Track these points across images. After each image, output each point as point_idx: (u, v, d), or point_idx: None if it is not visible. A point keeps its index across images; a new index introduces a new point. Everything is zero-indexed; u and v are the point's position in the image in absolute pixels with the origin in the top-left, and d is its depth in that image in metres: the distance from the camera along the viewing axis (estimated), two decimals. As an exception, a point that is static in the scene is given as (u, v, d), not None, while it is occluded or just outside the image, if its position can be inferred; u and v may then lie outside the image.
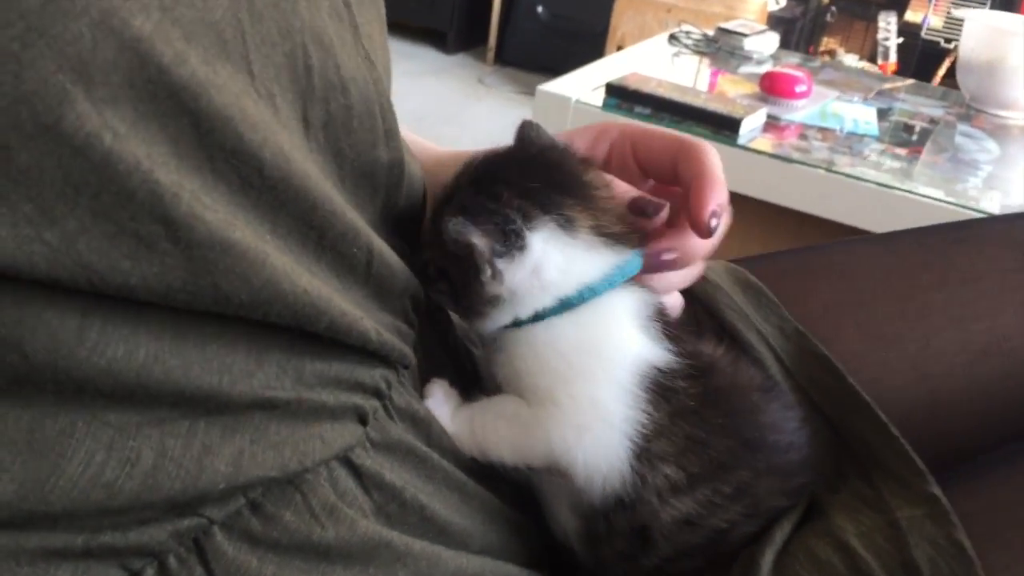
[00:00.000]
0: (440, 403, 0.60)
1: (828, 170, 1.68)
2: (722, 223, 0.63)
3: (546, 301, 0.59)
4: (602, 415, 0.59)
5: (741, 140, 1.76)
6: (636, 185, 0.67)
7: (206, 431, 0.43)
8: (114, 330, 0.38)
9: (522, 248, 0.57)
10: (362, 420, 0.52)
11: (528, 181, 0.59)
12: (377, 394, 0.53)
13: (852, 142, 1.84)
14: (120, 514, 0.41)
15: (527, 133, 0.64)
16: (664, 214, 0.63)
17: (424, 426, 0.57)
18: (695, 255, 0.65)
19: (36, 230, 0.34)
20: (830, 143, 1.81)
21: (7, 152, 0.33)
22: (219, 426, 0.44)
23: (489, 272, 0.57)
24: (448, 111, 4.05)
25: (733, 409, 0.61)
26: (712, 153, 0.65)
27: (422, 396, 0.59)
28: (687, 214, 0.63)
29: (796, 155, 1.73)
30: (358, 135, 0.50)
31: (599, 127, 0.71)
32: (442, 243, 0.58)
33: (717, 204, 0.62)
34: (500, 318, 0.61)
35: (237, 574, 0.46)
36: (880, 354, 0.74)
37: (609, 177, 0.64)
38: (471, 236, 0.56)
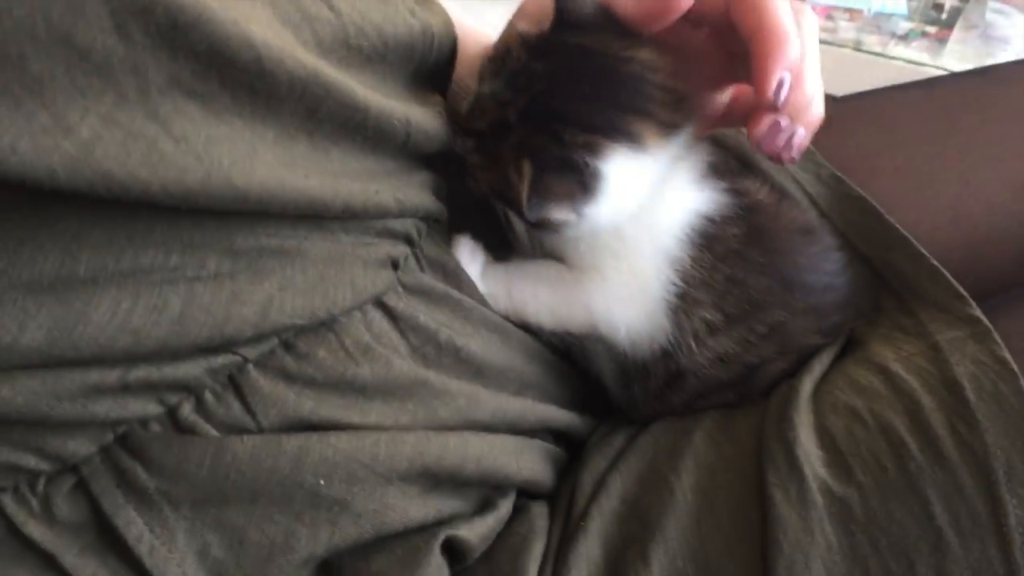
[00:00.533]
0: (469, 259, 0.59)
1: (856, 49, 1.65)
2: (797, 85, 0.53)
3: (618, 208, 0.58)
4: (648, 287, 0.59)
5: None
6: (681, 36, 0.59)
7: (233, 278, 0.43)
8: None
9: (598, 187, 0.55)
10: (393, 265, 0.52)
11: (586, 107, 0.55)
12: (408, 241, 0.53)
13: (880, 21, 1.79)
14: (148, 355, 0.42)
15: (566, 5, 0.56)
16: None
17: (454, 277, 0.57)
18: (799, 58, 0.54)
19: (54, 139, 0.34)
20: (858, 23, 1.77)
21: (23, 61, 0.32)
22: (247, 273, 0.44)
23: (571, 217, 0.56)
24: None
25: (773, 248, 0.61)
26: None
27: (454, 244, 0.59)
28: (748, 77, 0.54)
29: (823, 36, 1.69)
30: (395, 24, 0.49)
31: None
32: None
33: (783, 67, 0.52)
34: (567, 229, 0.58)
35: (274, 407, 0.47)
36: (918, 195, 0.73)
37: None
38: (552, 213, 0.55)
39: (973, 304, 0.58)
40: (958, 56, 1.66)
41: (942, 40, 1.75)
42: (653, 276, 0.59)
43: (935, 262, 0.62)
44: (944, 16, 1.90)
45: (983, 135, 0.74)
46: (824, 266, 0.64)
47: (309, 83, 0.42)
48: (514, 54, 0.56)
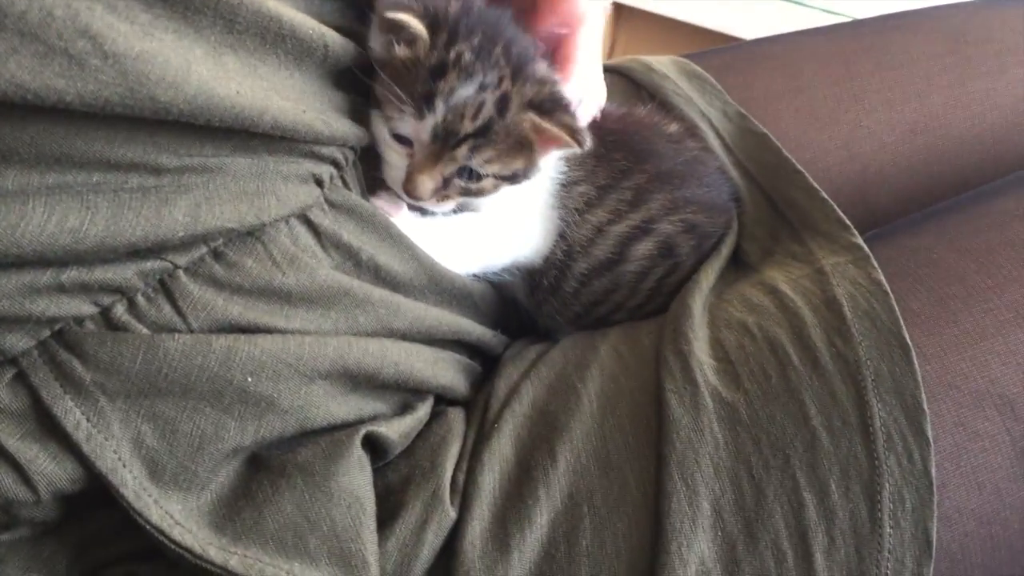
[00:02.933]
0: (392, 209, 0.62)
1: (797, 3, 1.70)
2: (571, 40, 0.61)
3: None
4: (546, 205, 0.67)
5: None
6: None
7: (157, 191, 0.46)
8: (35, 112, 0.40)
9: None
10: (318, 183, 0.55)
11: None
12: (334, 164, 0.56)
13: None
14: (86, 255, 0.44)
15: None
16: None
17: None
18: (582, 16, 0.61)
19: None
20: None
21: None
22: (171, 187, 0.46)
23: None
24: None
25: (644, 144, 0.70)
26: None
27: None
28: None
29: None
30: None
31: None
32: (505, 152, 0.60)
33: (561, 19, 0.60)
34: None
35: (204, 311, 0.49)
36: (816, 135, 0.78)
37: None
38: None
39: (856, 233, 0.63)
40: (874, 5, 1.72)
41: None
42: (547, 192, 0.66)
43: (825, 195, 0.67)
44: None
45: (877, 80, 0.79)
46: (694, 167, 0.72)
47: None
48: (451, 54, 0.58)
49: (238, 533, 0.50)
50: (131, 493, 0.48)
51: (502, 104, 0.58)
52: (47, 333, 0.47)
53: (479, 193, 0.61)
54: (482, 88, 0.57)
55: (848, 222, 0.65)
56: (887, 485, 0.52)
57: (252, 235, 0.51)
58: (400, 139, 0.59)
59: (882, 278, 0.59)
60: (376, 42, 0.58)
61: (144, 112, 0.41)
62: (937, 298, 0.58)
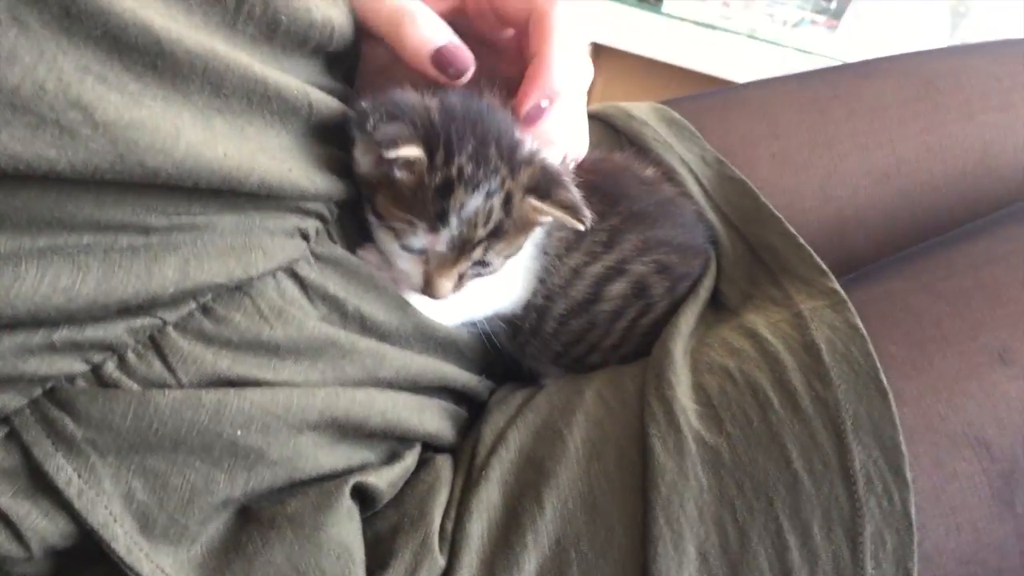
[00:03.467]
0: (379, 265, 0.63)
1: (751, 37, 1.73)
2: (549, 113, 0.61)
3: None
4: (529, 257, 0.68)
5: (665, 8, 1.78)
6: (494, 33, 0.66)
7: (147, 250, 0.47)
8: (24, 179, 0.40)
9: None
10: (304, 236, 0.56)
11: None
12: (320, 218, 0.57)
13: (774, 10, 1.87)
14: (78, 314, 0.45)
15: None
16: (468, 75, 0.60)
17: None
18: (559, 92, 0.61)
19: None
20: (752, 10, 1.85)
21: None
22: (159, 246, 0.47)
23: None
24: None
25: (618, 186, 0.71)
26: (561, 28, 0.59)
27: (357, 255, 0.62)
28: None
29: (720, 22, 1.76)
30: (296, 8, 0.51)
31: None
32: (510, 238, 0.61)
33: (543, 95, 0.60)
34: None
35: (193, 365, 0.50)
36: (791, 180, 0.80)
37: (423, 15, 0.60)
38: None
39: (832, 278, 0.65)
40: (845, 44, 1.76)
41: (831, 29, 1.84)
42: (532, 243, 0.67)
43: (802, 241, 0.69)
44: (833, 6, 2.00)
45: (850, 126, 0.81)
46: (667, 208, 0.73)
47: (208, 60, 0.45)
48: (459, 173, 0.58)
49: None
50: (122, 548, 0.48)
51: (507, 202, 0.59)
52: (39, 391, 0.47)
53: (490, 273, 0.63)
54: (488, 195, 0.58)
55: (825, 267, 0.66)
56: (868, 527, 0.53)
57: (240, 290, 0.52)
58: (411, 249, 0.59)
59: (859, 322, 0.60)
60: (363, 160, 0.58)
61: (133, 177, 0.43)
62: (913, 342, 0.60)
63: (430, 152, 0.56)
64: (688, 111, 0.85)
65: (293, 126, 0.53)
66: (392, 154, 0.54)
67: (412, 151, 0.55)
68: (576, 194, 0.60)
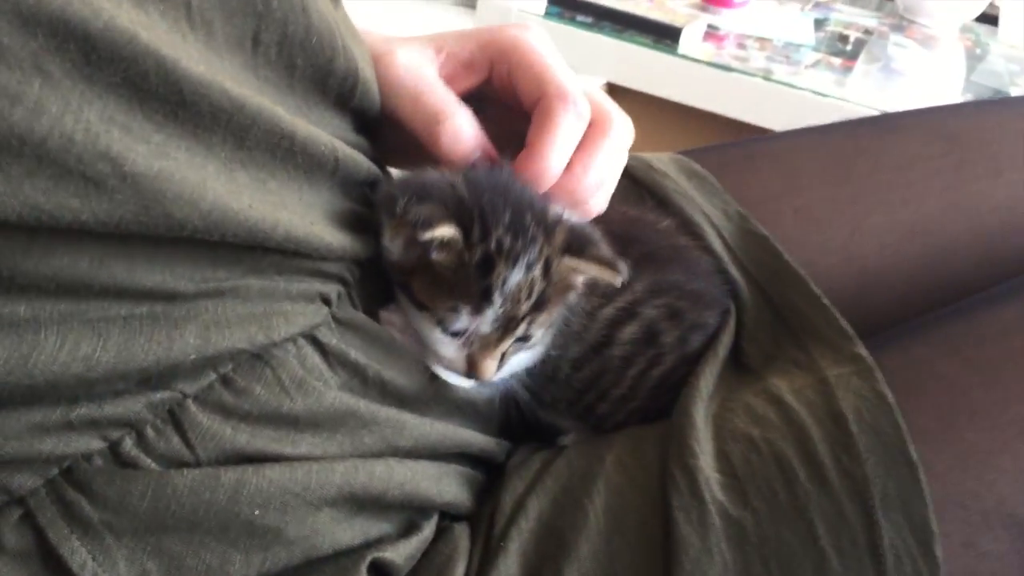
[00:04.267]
0: (404, 328, 0.62)
1: (766, 79, 1.72)
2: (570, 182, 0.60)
3: None
4: (552, 334, 0.66)
5: (681, 49, 1.78)
6: (517, 115, 0.63)
7: (167, 312, 0.45)
8: (60, 243, 0.40)
9: None
10: (326, 301, 0.55)
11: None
12: (342, 282, 0.56)
13: (789, 52, 1.88)
14: (97, 385, 0.44)
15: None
16: None
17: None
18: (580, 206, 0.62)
19: None
20: (767, 52, 1.85)
21: None
22: (180, 312, 0.46)
23: None
24: (388, 18, 3.98)
25: (633, 236, 0.70)
26: (568, 120, 0.58)
27: (380, 320, 0.61)
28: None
29: (735, 64, 1.76)
30: (315, 50, 0.51)
31: (485, 38, 0.63)
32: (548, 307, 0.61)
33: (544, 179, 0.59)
34: None
35: (212, 441, 0.49)
36: (814, 237, 0.79)
37: (459, 123, 0.59)
38: None
39: (859, 343, 0.64)
40: (861, 86, 1.76)
41: (846, 71, 1.84)
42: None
43: (827, 302, 0.68)
44: (849, 48, 2.00)
45: (874, 182, 0.80)
46: (679, 254, 0.73)
47: (235, 113, 0.44)
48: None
49: None
50: None
51: (546, 269, 0.58)
52: (55, 471, 0.46)
53: (530, 348, 0.62)
54: (529, 266, 0.57)
55: (851, 331, 0.65)
56: None
57: (261, 359, 0.51)
58: (453, 333, 0.58)
59: (887, 391, 0.59)
60: (394, 246, 0.58)
61: (159, 229, 0.41)
62: (942, 413, 0.58)
63: (465, 230, 0.55)
64: (709, 163, 0.84)
65: (317, 181, 0.52)
66: (428, 235, 0.53)
67: (447, 230, 0.54)
68: (608, 248, 0.59)
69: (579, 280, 0.61)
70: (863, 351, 0.63)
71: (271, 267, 0.50)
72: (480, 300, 0.56)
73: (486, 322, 0.57)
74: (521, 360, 0.64)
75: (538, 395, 0.71)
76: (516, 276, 0.56)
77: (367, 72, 0.57)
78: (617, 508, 0.58)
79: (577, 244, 0.59)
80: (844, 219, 0.79)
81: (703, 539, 0.55)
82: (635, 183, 0.83)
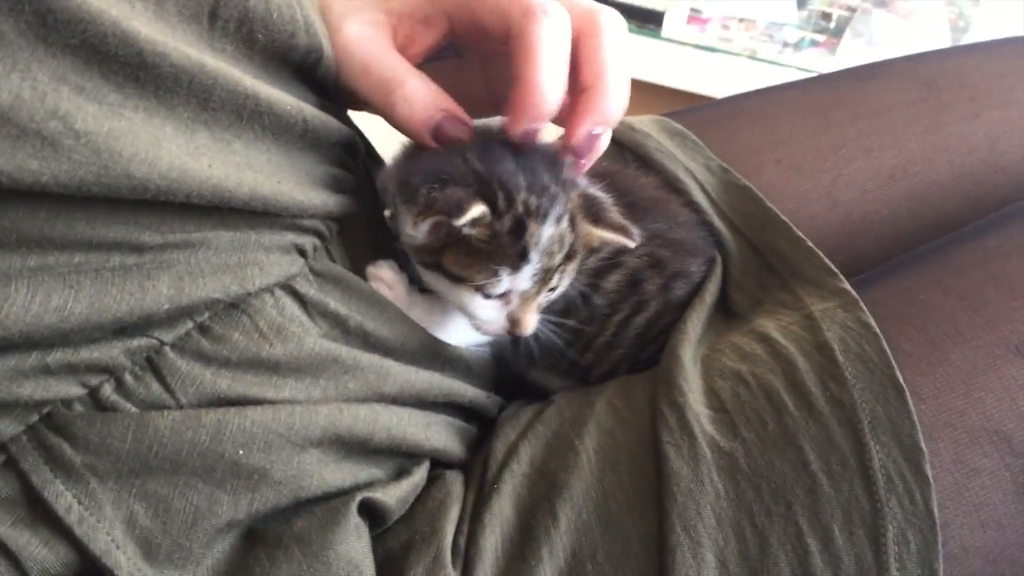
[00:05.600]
0: (393, 281, 0.63)
1: (751, 58, 1.73)
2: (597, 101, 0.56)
3: None
4: None
5: (665, 33, 1.79)
6: (491, 46, 0.61)
7: (139, 269, 0.46)
8: (17, 198, 0.40)
9: None
10: (301, 253, 0.55)
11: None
12: (317, 235, 0.56)
13: (773, 31, 1.88)
14: (72, 334, 0.44)
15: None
16: (466, 136, 0.58)
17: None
18: (613, 117, 0.58)
19: None
20: (752, 32, 1.86)
21: None
22: (152, 264, 0.46)
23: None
24: None
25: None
26: (546, 47, 0.54)
27: (367, 276, 0.62)
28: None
29: (720, 45, 1.77)
30: (276, 25, 0.51)
31: None
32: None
33: (531, 119, 0.55)
34: None
35: (192, 386, 0.49)
36: (797, 186, 0.79)
37: (413, 88, 0.57)
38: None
39: (843, 279, 0.64)
40: (846, 63, 1.76)
41: (831, 48, 1.84)
42: None
43: (810, 244, 0.68)
44: (832, 25, 2.00)
45: (854, 129, 0.81)
46: (659, 204, 0.73)
47: (195, 73, 0.44)
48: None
49: None
50: (125, 575, 0.47)
51: (572, 223, 0.59)
52: (35, 417, 0.46)
53: (557, 296, 0.63)
54: (558, 220, 0.58)
55: (834, 268, 0.65)
56: (890, 527, 0.52)
57: (237, 307, 0.51)
58: (493, 295, 0.60)
59: (871, 320, 0.59)
60: (419, 233, 0.58)
61: (122, 191, 0.42)
62: (928, 338, 0.59)
63: (491, 203, 0.56)
64: (690, 122, 0.85)
65: (286, 142, 0.53)
66: (463, 220, 0.54)
67: (478, 209, 0.55)
68: (618, 213, 0.61)
69: (599, 242, 0.63)
70: (846, 285, 0.63)
71: (242, 221, 0.50)
72: (518, 261, 0.57)
73: (525, 279, 0.58)
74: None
75: (528, 353, 0.71)
76: (548, 231, 0.57)
77: (328, 47, 0.57)
78: (608, 448, 0.59)
79: (592, 210, 0.60)
80: (826, 167, 0.80)
81: (694, 471, 0.55)
82: (617, 145, 0.84)
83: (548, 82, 0.54)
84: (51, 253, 0.42)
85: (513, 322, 0.61)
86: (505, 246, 0.57)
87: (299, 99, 0.53)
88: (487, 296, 0.59)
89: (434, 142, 0.58)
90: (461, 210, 0.54)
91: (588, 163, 0.60)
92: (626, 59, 0.58)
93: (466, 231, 0.56)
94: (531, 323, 0.61)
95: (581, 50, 0.56)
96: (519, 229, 0.57)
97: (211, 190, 0.46)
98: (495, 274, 0.57)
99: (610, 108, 0.57)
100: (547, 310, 0.65)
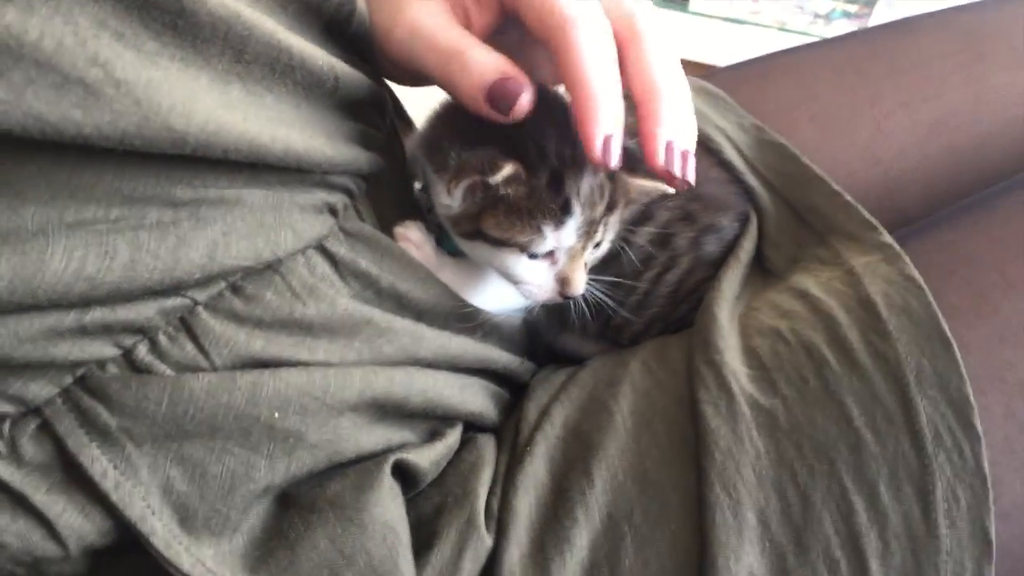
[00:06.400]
0: (421, 242, 0.62)
1: (781, 30, 1.70)
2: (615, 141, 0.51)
3: None
4: None
5: (692, 7, 1.76)
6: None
7: (176, 226, 0.45)
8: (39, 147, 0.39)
9: None
10: (332, 212, 0.54)
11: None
12: (347, 192, 0.55)
13: (803, 2, 1.85)
14: (109, 293, 0.43)
15: None
16: (526, 100, 0.52)
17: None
18: (682, 122, 0.54)
19: None
20: (782, 4, 1.82)
21: None
22: (189, 221, 0.45)
23: None
24: None
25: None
26: (583, 48, 0.50)
27: (394, 236, 0.61)
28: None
29: (749, 18, 1.74)
30: None
31: None
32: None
33: (601, 128, 0.50)
34: None
35: (226, 347, 0.48)
36: (834, 142, 0.77)
37: (472, 55, 0.53)
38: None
39: (884, 232, 0.62)
40: (878, 31, 1.73)
41: (863, 18, 1.81)
42: None
43: (849, 198, 0.66)
44: (865, -6, 1.97)
45: (892, 83, 0.78)
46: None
47: (232, 23, 0.43)
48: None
49: (273, 574, 0.49)
50: (161, 542, 0.46)
51: (609, 173, 0.58)
52: (70, 379, 0.46)
53: (602, 253, 0.62)
54: (595, 170, 0.56)
55: (875, 222, 0.63)
56: (939, 484, 0.50)
57: (270, 268, 0.50)
58: (539, 255, 0.58)
59: (915, 273, 0.57)
60: (454, 200, 0.57)
61: (162, 144, 0.41)
62: (975, 290, 0.57)
63: (523, 158, 0.55)
64: (721, 82, 0.83)
65: (317, 98, 0.52)
66: (499, 177, 0.53)
67: (510, 168, 0.53)
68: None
69: (638, 194, 0.61)
70: (888, 238, 0.61)
71: (274, 177, 0.49)
72: (561, 214, 0.56)
73: (570, 234, 0.57)
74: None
75: (561, 318, 0.69)
76: (587, 180, 0.56)
77: (361, 4, 0.56)
78: (644, 408, 0.57)
79: (628, 160, 0.57)
80: (863, 122, 0.77)
81: (733, 429, 0.53)
82: None
83: (601, 92, 0.50)
84: (88, 206, 0.41)
85: (562, 282, 0.59)
86: (546, 200, 0.55)
87: (332, 54, 0.52)
88: (533, 256, 0.58)
89: (492, 108, 0.53)
90: (495, 167, 0.53)
91: (683, 181, 0.53)
92: (673, 59, 0.54)
93: (503, 190, 0.55)
94: (581, 282, 0.59)
95: (625, 62, 0.53)
96: (557, 181, 0.55)
97: (247, 145, 0.45)
98: (539, 231, 0.56)
99: (672, 113, 0.52)
100: (592, 270, 0.64)
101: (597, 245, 0.60)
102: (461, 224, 0.59)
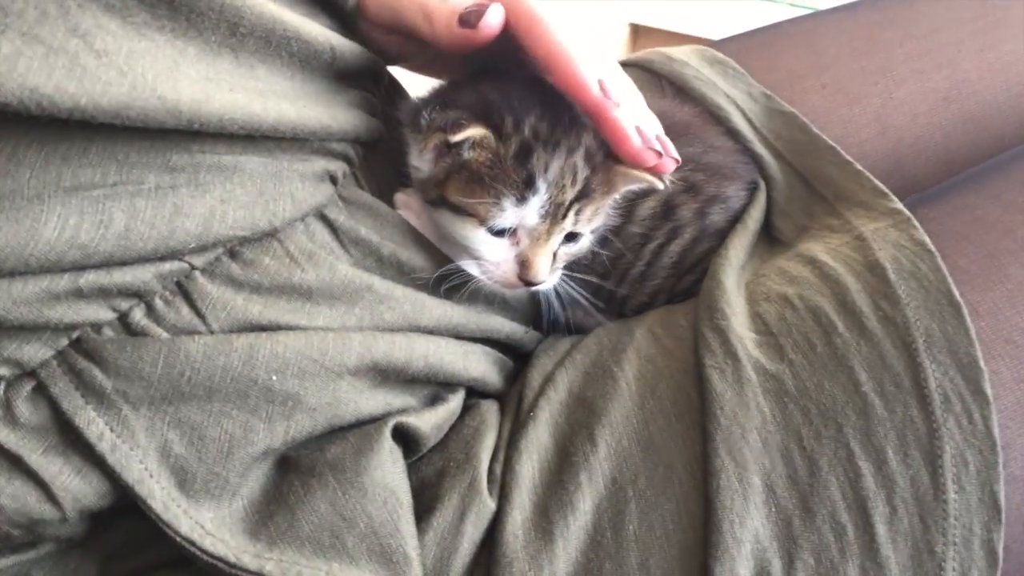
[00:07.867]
0: (420, 212, 0.61)
1: (792, 4, 1.69)
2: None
3: None
4: None
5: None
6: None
7: (174, 191, 0.44)
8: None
9: None
10: (332, 180, 0.54)
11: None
12: (346, 160, 0.55)
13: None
14: (105, 257, 0.43)
15: None
16: (495, 21, 0.53)
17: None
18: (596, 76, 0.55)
19: None
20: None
21: None
22: (187, 187, 0.45)
23: None
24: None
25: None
26: (624, 117, 0.54)
27: (394, 204, 0.61)
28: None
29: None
30: None
31: None
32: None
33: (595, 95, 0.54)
34: None
35: (223, 311, 0.48)
36: (844, 111, 0.76)
37: None
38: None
39: (894, 198, 0.61)
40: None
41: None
42: None
43: (859, 166, 0.65)
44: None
45: (904, 51, 0.77)
46: (692, 129, 0.70)
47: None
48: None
49: (273, 538, 0.49)
50: (159, 505, 0.46)
51: (590, 159, 0.57)
52: (65, 342, 0.45)
53: (579, 250, 0.61)
54: (570, 151, 0.56)
55: (885, 189, 0.62)
56: (948, 448, 0.49)
57: (268, 233, 0.50)
58: (498, 233, 0.57)
59: (925, 238, 0.56)
60: (424, 161, 0.57)
61: (159, 115, 0.40)
62: (986, 254, 0.56)
63: (495, 126, 0.54)
64: (731, 51, 0.82)
65: (312, 70, 0.52)
66: (459, 136, 0.53)
67: (477, 130, 0.53)
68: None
69: (622, 186, 0.60)
70: (898, 204, 0.60)
71: (272, 144, 0.49)
72: (524, 188, 0.55)
73: (532, 212, 0.56)
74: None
75: (564, 284, 0.69)
76: (557, 161, 0.55)
77: None
78: (649, 374, 0.57)
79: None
80: (875, 91, 0.76)
81: (739, 394, 0.53)
82: (656, 76, 0.81)
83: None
84: (83, 171, 0.41)
85: (523, 264, 0.58)
86: (508, 171, 0.55)
87: (327, 29, 0.52)
88: (492, 231, 0.57)
89: (463, 26, 0.54)
90: (458, 126, 0.52)
91: (670, 158, 0.57)
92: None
93: (467, 155, 0.55)
94: (543, 268, 0.58)
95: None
96: (525, 154, 0.54)
97: (240, 113, 0.44)
98: (498, 203, 0.55)
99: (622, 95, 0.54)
100: (571, 267, 0.63)
101: (572, 238, 0.59)
102: (428, 189, 0.58)
